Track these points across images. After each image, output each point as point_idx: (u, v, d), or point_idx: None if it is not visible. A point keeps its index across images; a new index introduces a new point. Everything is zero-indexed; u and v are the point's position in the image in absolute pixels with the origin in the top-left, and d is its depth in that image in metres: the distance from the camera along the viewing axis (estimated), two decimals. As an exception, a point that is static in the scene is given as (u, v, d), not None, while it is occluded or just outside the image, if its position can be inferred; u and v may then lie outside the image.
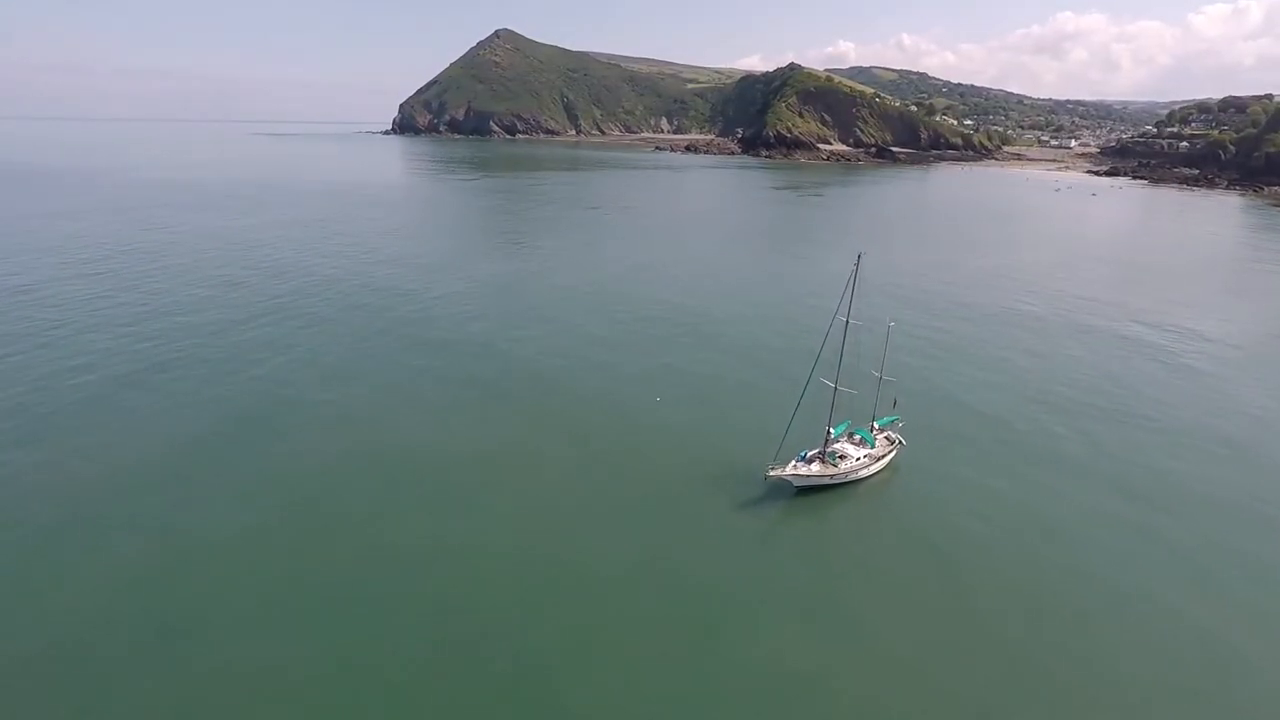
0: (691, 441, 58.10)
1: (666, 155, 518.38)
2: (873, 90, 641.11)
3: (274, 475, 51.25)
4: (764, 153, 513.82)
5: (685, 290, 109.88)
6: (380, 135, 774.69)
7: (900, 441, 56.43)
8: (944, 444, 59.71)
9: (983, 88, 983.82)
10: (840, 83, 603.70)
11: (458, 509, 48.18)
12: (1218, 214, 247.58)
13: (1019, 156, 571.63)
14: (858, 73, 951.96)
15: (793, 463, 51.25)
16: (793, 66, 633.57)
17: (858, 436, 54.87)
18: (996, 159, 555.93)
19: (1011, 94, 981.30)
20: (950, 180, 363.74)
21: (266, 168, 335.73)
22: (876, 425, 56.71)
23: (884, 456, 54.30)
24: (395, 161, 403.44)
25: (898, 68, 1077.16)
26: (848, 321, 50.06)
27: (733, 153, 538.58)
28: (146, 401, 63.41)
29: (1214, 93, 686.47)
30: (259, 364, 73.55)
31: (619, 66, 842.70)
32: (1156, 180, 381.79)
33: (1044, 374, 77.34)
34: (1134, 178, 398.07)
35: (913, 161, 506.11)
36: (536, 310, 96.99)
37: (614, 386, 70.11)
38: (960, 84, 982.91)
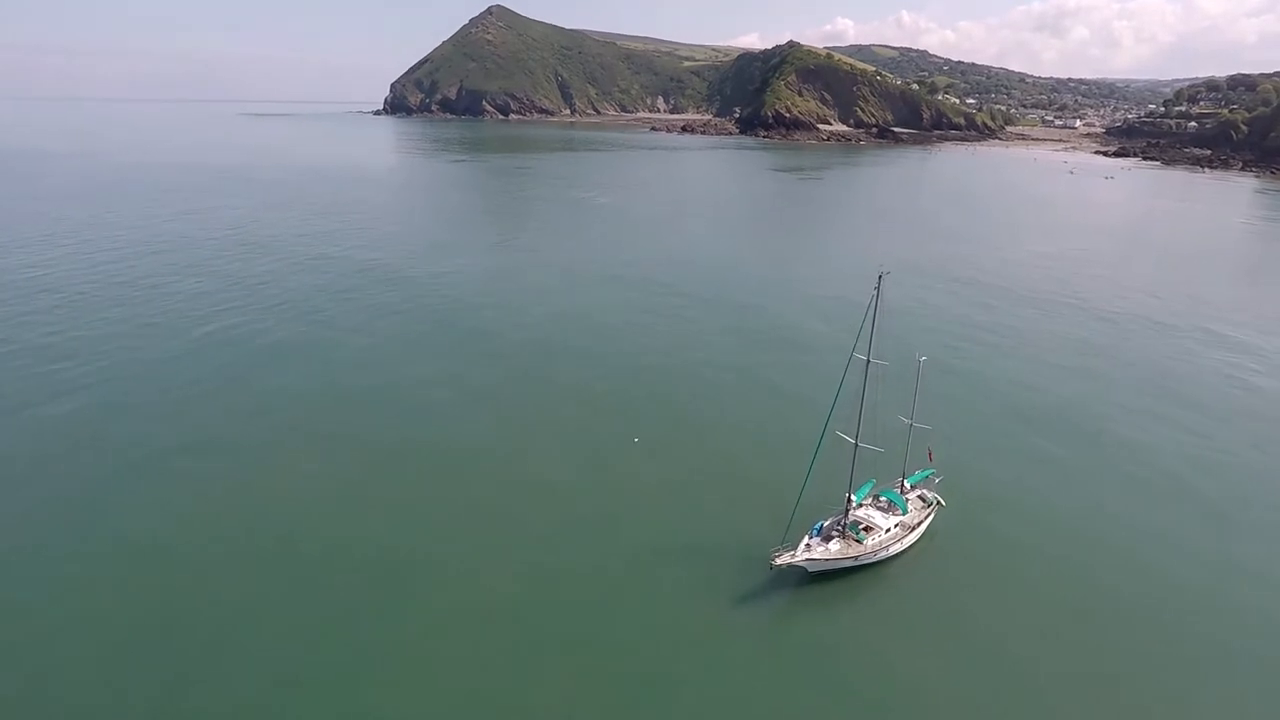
0: (674, 507, 47.21)
1: (662, 136, 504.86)
2: (873, 68, 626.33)
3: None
4: (762, 133, 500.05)
5: (672, 295, 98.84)
6: (371, 115, 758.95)
7: (938, 501, 45.89)
8: (993, 502, 49.15)
9: (984, 66, 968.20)
10: (840, 60, 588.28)
11: (383, 615, 37.80)
12: (1241, 199, 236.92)
13: (1023, 137, 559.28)
14: (857, 50, 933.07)
15: (805, 541, 40.74)
16: (791, 44, 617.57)
17: (885, 499, 44.37)
18: (1000, 139, 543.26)
19: (1013, 72, 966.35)
20: (956, 162, 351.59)
21: (250, 153, 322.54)
22: (907, 484, 46.14)
23: (919, 524, 43.76)
24: (385, 145, 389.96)
25: (897, 45, 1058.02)
26: (869, 361, 39.30)
27: (730, 133, 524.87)
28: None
29: (1216, 70, 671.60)
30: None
31: (614, 44, 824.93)
32: (1168, 162, 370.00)
33: (1118, 406, 66.19)
34: (1144, 159, 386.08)
35: (915, 142, 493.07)
36: (503, 336, 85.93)
37: (590, 422, 59.40)
38: (961, 62, 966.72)
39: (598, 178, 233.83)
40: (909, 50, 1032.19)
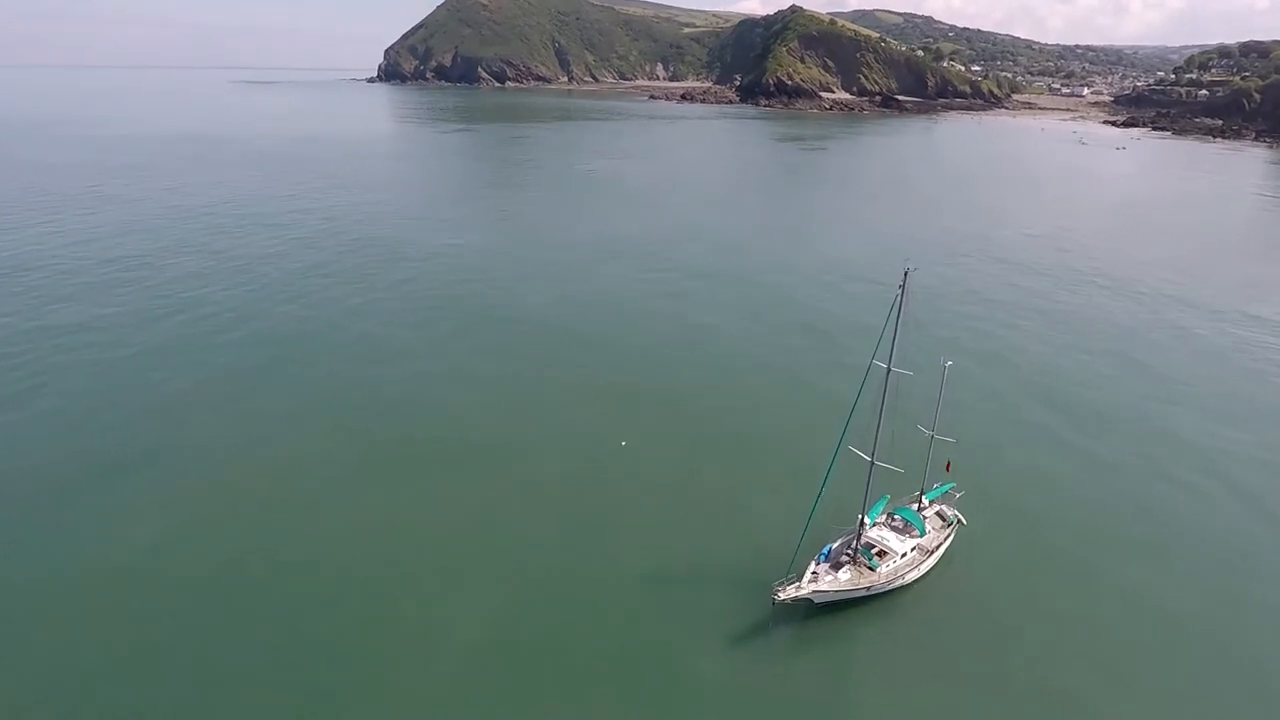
0: (670, 526, 42.57)
1: (662, 104, 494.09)
2: (878, 34, 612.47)
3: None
4: (763, 101, 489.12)
5: (674, 274, 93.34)
6: (364, 83, 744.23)
7: (958, 520, 41.01)
8: (1022, 520, 44.29)
9: (989, 32, 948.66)
10: (844, 26, 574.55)
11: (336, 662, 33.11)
12: (1258, 170, 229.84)
13: (1030, 105, 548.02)
14: (861, 16, 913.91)
15: (811, 568, 35.93)
16: (794, 9, 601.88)
17: (901, 519, 39.48)
18: (1007, 108, 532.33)
19: (1019, 39, 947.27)
20: (963, 132, 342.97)
21: (242, 125, 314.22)
22: (925, 500, 41.18)
23: (937, 547, 38.85)
24: (378, 115, 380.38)
25: (901, 11, 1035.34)
26: (889, 370, 34.03)
27: (730, 101, 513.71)
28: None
29: (1226, 37, 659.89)
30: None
31: (612, 9, 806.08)
32: (1178, 132, 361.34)
33: (1161, 407, 60.62)
34: (1154, 129, 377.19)
35: (919, 111, 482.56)
36: (495, 338, 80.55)
37: (584, 418, 54.42)
38: (966, 28, 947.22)
39: (597, 149, 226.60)
40: (913, 16, 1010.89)
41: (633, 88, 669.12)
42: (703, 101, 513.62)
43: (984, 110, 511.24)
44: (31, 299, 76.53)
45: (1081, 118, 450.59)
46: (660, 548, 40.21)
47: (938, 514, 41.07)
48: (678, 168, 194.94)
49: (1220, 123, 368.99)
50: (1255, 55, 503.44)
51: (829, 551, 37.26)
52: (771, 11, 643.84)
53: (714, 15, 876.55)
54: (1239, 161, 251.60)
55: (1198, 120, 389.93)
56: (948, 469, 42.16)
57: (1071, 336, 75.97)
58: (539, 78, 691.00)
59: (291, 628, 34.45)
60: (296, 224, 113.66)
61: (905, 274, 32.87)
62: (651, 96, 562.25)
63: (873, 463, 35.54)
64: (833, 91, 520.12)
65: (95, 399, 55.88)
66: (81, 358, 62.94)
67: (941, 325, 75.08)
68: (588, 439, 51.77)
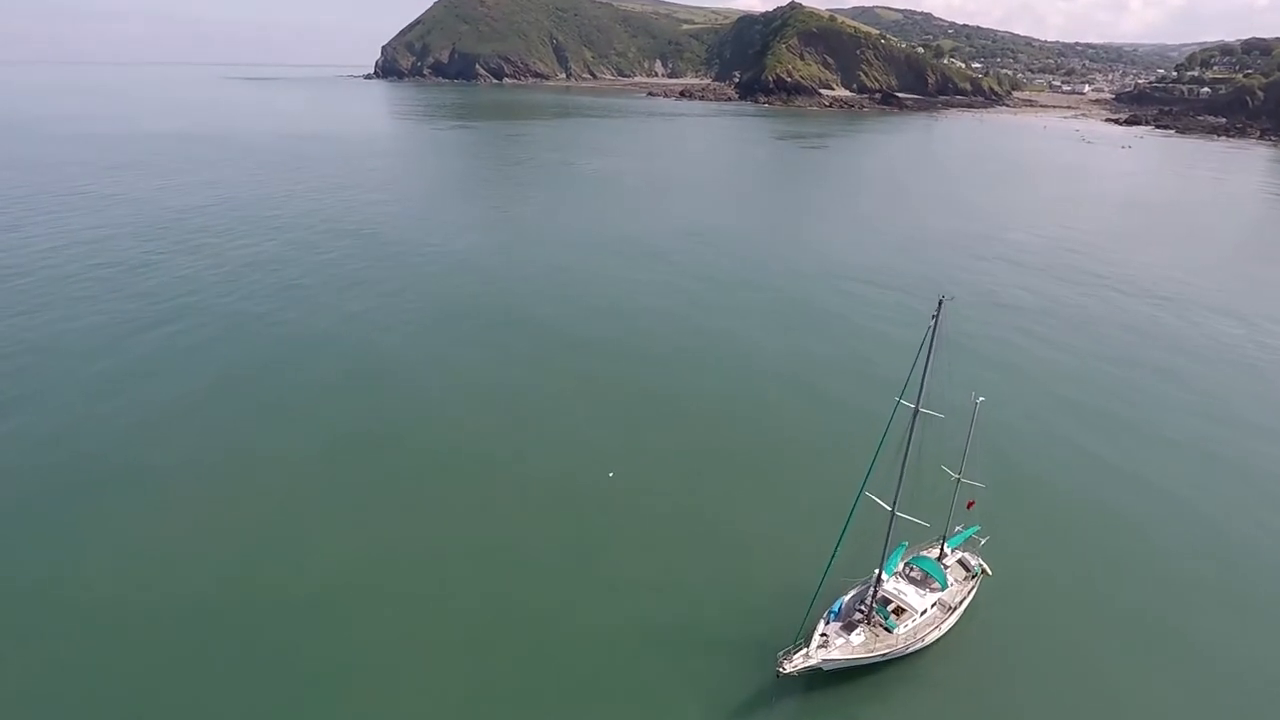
0: (665, 576, 38.56)
1: (660, 101, 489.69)
2: (878, 31, 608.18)
3: None
4: (762, 98, 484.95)
5: (666, 292, 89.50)
6: (361, 79, 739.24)
7: (983, 569, 37.34)
8: (1054, 566, 40.33)
9: (989, 29, 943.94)
10: (844, 23, 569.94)
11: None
12: (1267, 170, 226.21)
13: (1031, 103, 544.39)
14: (860, 13, 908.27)
15: (821, 628, 32.37)
16: (794, 5, 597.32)
17: (919, 569, 35.75)
18: (1008, 105, 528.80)
19: (1019, 36, 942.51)
20: (965, 130, 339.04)
21: (237, 123, 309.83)
22: (947, 548, 37.50)
23: (960, 603, 35.17)
24: (376, 112, 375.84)
25: (900, 8, 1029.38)
26: (917, 411, 30.33)
27: (729, 98, 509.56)
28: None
29: (1225, 35, 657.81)
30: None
31: (611, 6, 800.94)
32: (1182, 130, 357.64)
33: (1214, 429, 56.27)
34: (1157, 127, 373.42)
35: (920, 108, 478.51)
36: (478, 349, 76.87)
37: (576, 440, 50.91)
38: (966, 25, 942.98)
39: (596, 148, 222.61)
40: (913, 13, 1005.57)
41: (631, 85, 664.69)
42: (701, 99, 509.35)
43: (985, 108, 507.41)
44: (6, 306, 72.85)
45: (1083, 115, 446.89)
46: (651, 600, 36.49)
47: (959, 562, 37.46)
48: (677, 166, 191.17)
49: (1224, 121, 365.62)
50: (1258, 53, 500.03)
51: (840, 608, 33.66)
52: (771, 8, 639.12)
53: (713, 12, 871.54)
54: (1246, 160, 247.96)
55: (1201, 118, 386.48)
56: (969, 508, 38.31)
57: (1106, 348, 72.00)
58: (537, 74, 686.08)
59: (268, 653, 32.56)
60: (288, 226, 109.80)
61: (940, 304, 28.74)
62: (650, 94, 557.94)
63: (893, 514, 31.84)
64: (832, 89, 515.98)
65: (72, 415, 52.29)
66: (59, 370, 59.24)
67: (965, 336, 71.33)
68: (582, 462, 48.32)
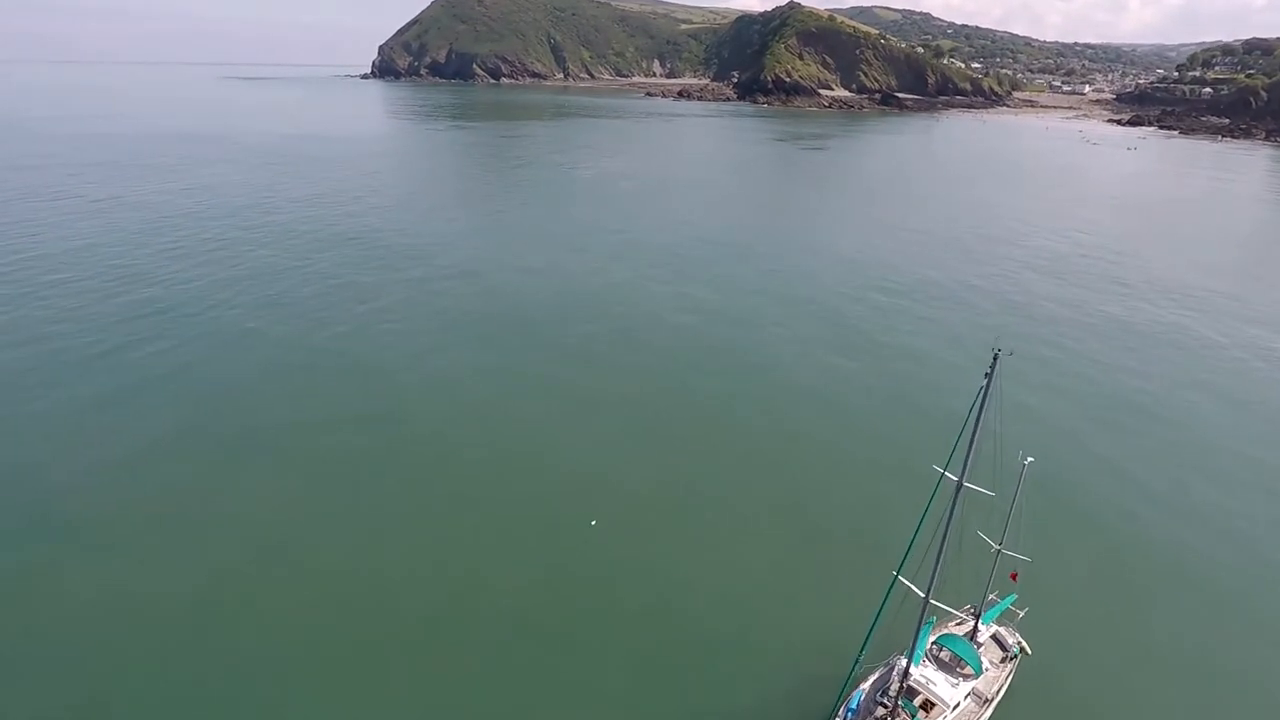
0: (643, 655, 33.17)
1: (659, 101, 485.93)
2: (877, 31, 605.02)
3: None
4: (761, 99, 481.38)
5: (676, 302, 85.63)
6: (358, 79, 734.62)
7: (1021, 648, 32.87)
8: (1104, 646, 35.10)
9: (987, 29, 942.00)
10: (843, 23, 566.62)
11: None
12: (1276, 170, 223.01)
13: (1032, 103, 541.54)
14: (859, 13, 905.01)
15: (838, 726, 28.19)
16: (792, 5, 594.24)
17: (949, 651, 31.19)
18: (1008, 105, 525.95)
19: (1018, 36, 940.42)
20: (967, 130, 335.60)
21: (232, 123, 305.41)
22: (982, 624, 33.09)
23: (997, 692, 30.77)
24: (371, 114, 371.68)
25: (899, 7, 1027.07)
26: (960, 485, 26.03)
27: (727, 98, 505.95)
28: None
29: (1222, 35, 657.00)
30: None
31: (609, 5, 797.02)
32: (1186, 130, 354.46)
33: None
34: (1160, 127, 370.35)
35: (920, 108, 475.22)
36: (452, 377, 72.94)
37: (559, 484, 45.79)
38: (965, 25, 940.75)
39: (596, 149, 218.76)
40: (912, 13, 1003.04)
41: (629, 84, 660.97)
42: (700, 99, 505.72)
43: (985, 108, 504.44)
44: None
45: (1084, 116, 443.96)
46: (631, 693, 31.25)
47: (994, 638, 32.84)
48: (678, 168, 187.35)
49: (1227, 121, 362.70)
50: (1259, 53, 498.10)
51: (859, 703, 29.04)
52: (769, 7, 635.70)
53: (711, 12, 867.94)
54: (1254, 161, 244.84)
55: (1204, 119, 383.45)
56: (1013, 579, 33.96)
57: (1159, 370, 65.89)
58: (534, 74, 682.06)
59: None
60: (281, 230, 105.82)
61: (995, 358, 23.96)
62: (648, 94, 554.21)
63: (927, 598, 27.52)
64: (832, 89, 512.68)
65: (40, 450, 48.36)
66: (20, 400, 55.34)
67: (1004, 364, 67.48)
68: (569, 503, 43.28)
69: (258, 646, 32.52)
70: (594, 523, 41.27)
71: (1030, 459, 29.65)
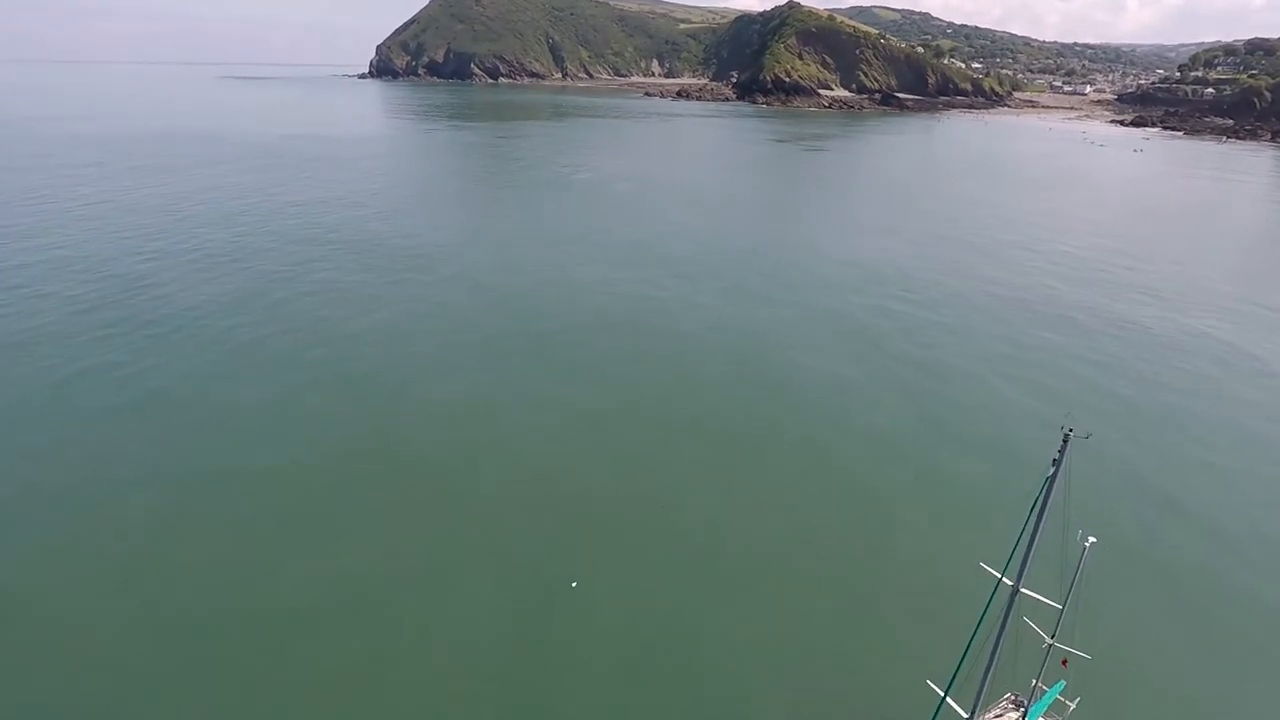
0: None
1: (657, 101, 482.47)
2: (877, 31, 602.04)
3: None
4: (760, 99, 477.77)
5: (686, 313, 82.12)
6: (356, 79, 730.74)
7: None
8: None
9: (987, 29, 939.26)
10: (843, 22, 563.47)
11: None
12: None
13: (1033, 103, 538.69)
14: (858, 12, 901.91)
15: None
16: (792, 5, 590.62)
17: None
18: (1009, 106, 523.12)
19: (1017, 36, 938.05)
20: (969, 131, 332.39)
21: (228, 123, 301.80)
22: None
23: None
24: (368, 115, 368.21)
25: (899, 7, 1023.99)
26: (1017, 590, 22.45)
27: (727, 98, 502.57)
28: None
29: (1221, 35, 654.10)
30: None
31: (607, 5, 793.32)
32: (1190, 131, 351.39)
33: None
34: (1164, 128, 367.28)
35: (920, 109, 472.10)
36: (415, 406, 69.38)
37: (535, 537, 40.45)
38: (965, 25, 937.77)
39: (595, 150, 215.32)
40: (911, 13, 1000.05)
41: (628, 84, 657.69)
42: (699, 99, 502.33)
43: (986, 109, 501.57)
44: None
45: (1086, 117, 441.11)
46: None
47: None
48: (678, 169, 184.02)
49: (1231, 122, 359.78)
50: (1261, 53, 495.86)
51: None
52: (769, 7, 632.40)
53: (710, 11, 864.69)
54: (1265, 163, 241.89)
55: (1208, 120, 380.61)
56: (1064, 665, 29.61)
57: (1225, 412, 56.85)
58: (532, 74, 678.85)
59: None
60: (276, 235, 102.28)
61: (1065, 439, 19.83)
62: (647, 94, 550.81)
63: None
64: (832, 89, 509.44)
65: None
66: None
67: (1061, 434, 63.59)
68: (547, 569, 37.24)
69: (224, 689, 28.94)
70: (575, 585, 35.41)
71: (1092, 539, 24.18)
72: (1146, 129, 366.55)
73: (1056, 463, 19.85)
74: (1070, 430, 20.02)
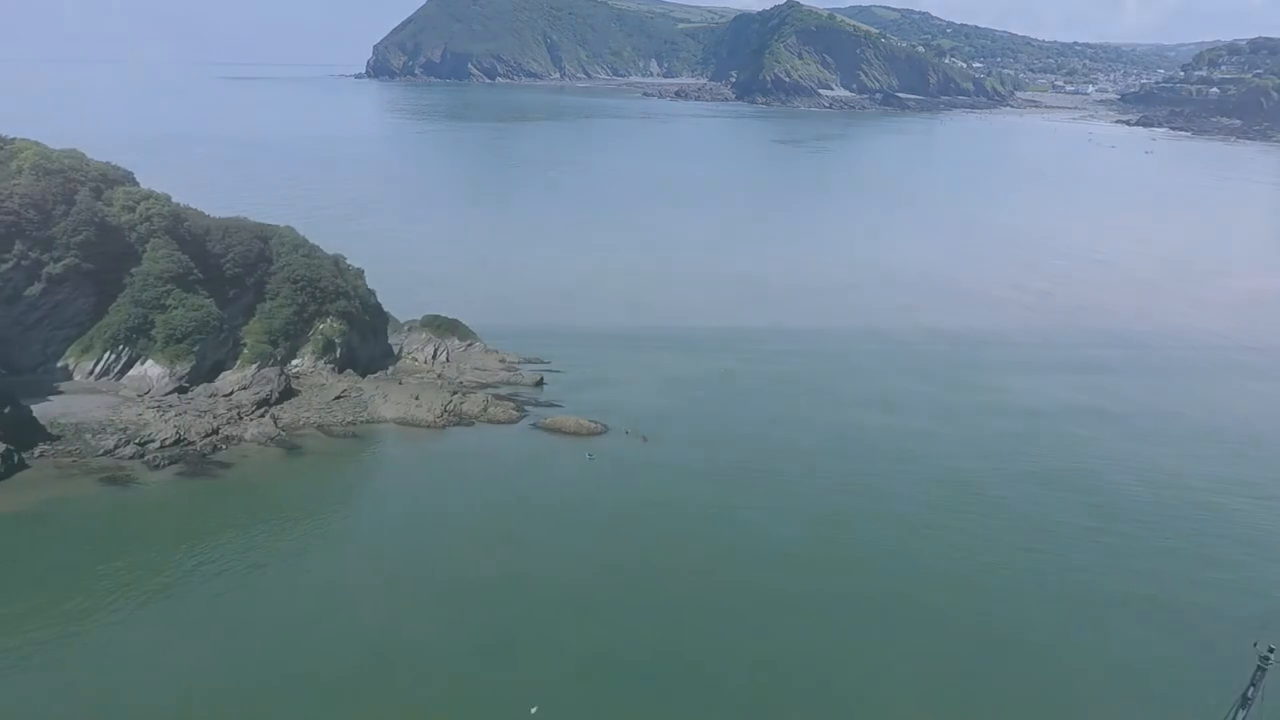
0: None
1: (656, 102, 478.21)
2: (877, 30, 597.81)
3: None
4: (760, 99, 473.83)
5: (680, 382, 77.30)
6: (353, 79, 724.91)
7: None
8: None
9: (987, 29, 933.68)
10: (843, 21, 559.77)
11: None
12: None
13: (1035, 103, 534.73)
14: (858, 11, 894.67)
15: None
16: (792, 4, 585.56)
17: None
18: (1011, 106, 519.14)
19: (1017, 35, 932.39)
20: (973, 132, 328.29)
21: (226, 123, 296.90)
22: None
23: None
24: (365, 115, 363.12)
25: (899, 6, 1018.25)
26: None
27: (726, 98, 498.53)
28: None
29: (1221, 34, 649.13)
30: None
31: (606, 4, 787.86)
32: (1198, 131, 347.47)
33: None
34: (1171, 129, 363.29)
35: (922, 109, 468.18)
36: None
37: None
38: (965, 24, 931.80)
39: (596, 151, 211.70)
40: (910, 12, 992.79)
41: (626, 84, 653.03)
42: (697, 99, 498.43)
43: (988, 109, 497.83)
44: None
45: (1090, 117, 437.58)
46: None
47: None
48: (680, 174, 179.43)
49: (1239, 123, 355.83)
50: (1266, 52, 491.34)
51: None
52: (768, 6, 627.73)
53: (709, 11, 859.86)
54: (1275, 163, 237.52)
55: (1215, 119, 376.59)
56: None
57: None
58: (530, 74, 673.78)
59: None
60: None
61: (1263, 664, 15.09)
62: (645, 94, 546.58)
63: None
64: (831, 89, 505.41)
65: None
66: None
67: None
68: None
69: None
70: (534, 710, 30.74)
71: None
72: (1153, 129, 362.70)
73: (1255, 683, 14.18)
74: (1271, 652, 14.26)
